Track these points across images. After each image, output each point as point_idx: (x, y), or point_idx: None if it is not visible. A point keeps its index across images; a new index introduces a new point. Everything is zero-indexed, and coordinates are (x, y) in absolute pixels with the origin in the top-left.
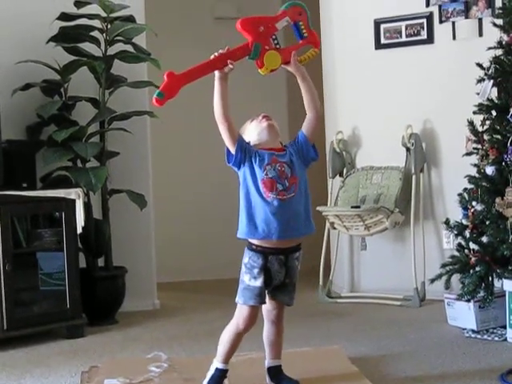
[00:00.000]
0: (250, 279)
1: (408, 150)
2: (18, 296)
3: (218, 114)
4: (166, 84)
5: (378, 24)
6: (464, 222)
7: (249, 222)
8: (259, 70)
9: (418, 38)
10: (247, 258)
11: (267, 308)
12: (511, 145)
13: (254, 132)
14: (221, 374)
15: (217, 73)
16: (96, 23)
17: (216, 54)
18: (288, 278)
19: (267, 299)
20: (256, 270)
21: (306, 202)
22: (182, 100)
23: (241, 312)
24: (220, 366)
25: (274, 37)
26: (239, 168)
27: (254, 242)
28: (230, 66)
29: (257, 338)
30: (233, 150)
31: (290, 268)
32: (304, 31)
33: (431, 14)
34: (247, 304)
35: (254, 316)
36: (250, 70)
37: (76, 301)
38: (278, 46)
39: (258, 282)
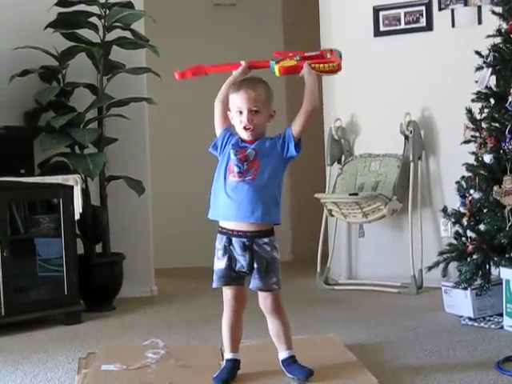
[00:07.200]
0: (216, 261)
1: (406, 137)
2: (16, 282)
3: (222, 93)
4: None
5: (377, 11)
6: (462, 209)
7: (211, 201)
8: (275, 68)
9: (417, 25)
10: (216, 241)
11: (260, 301)
12: (509, 133)
13: (234, 121)
14: (231, 365)
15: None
16: (94, 9)
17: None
18: (257, 264)
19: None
20: (220, 252)
21: (269, 191)
22: (181, 86)
23: (223, 296)
24: (228, 356)
25: (298, 56)
26: (219, 154)
27: (220, 224)
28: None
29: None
30: (218, 132)
31: (256, 253)
32: (329, 56)
33: (430, 1)
34: (216, 286)
35: (231, 298)
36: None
37: (74, 287)
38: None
39: (221, 264)
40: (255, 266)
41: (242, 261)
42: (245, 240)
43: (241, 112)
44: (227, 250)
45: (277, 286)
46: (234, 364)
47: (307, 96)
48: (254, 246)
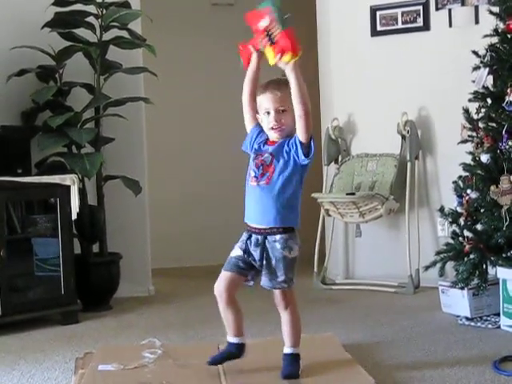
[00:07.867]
0: (232, 250)
1: (403, 137)
2: (13, 282)
3: (245, 87)
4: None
5: (374, 11)
6: (458, 209)
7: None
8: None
9: (414, 25)
10: None
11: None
12: (506, 133)
13: (263, 123)
14: (231, 349)
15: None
16: (91, 9)
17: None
18: (265, 260)
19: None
20: (239, 244)
21: (283, 196)
22: (178, 85)
23: None
24: (229, 339)
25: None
26: (250, 152)
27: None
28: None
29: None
30: (248, 129)
31: (266, 250)
32: (274, 37)
33: (427, 0)
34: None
35: (222, 281)
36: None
37: (71, 287)
38: (270, 42)
39: (234, 253)
40: (264, 262)
41: (255, 255)
42: (259, 237)
43: (268, 113)
44: (244, 244)
45: (285, 284)
46: (234, 347)
47: (294, 101)
48: (265, 243)
